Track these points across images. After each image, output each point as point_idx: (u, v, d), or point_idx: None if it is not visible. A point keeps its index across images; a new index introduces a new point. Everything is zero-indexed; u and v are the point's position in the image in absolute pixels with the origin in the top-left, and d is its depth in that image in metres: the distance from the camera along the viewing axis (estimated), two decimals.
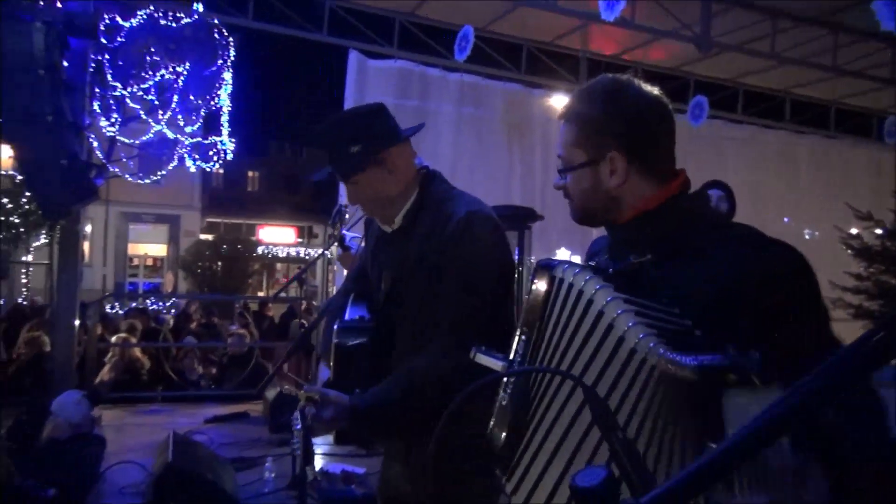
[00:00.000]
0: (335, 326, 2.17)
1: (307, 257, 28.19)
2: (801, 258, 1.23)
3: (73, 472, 4.11)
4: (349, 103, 7.70)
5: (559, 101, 8.81)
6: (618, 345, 1.16)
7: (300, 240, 31.97)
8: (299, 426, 1.92)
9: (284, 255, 30.46)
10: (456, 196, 2.11)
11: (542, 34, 8.66)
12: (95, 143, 12.25)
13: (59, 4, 6.66)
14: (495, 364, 1.53)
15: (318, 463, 5.19)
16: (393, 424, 2.01)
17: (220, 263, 22.93)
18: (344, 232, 2.70)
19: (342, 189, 7.20)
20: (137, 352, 7.72)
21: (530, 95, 8.61)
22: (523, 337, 1.40)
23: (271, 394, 6.30)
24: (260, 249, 27.03)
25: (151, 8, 11.41)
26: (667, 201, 1.36)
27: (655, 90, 1.43)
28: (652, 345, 1.10)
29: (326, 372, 2.17)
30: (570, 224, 1.55)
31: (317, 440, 5.72)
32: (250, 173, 35.10)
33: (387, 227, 2.16)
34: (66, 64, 6.56)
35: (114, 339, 7.58)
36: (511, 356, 1.43)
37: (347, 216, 2.71)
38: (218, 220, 30.43)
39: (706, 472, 0.63)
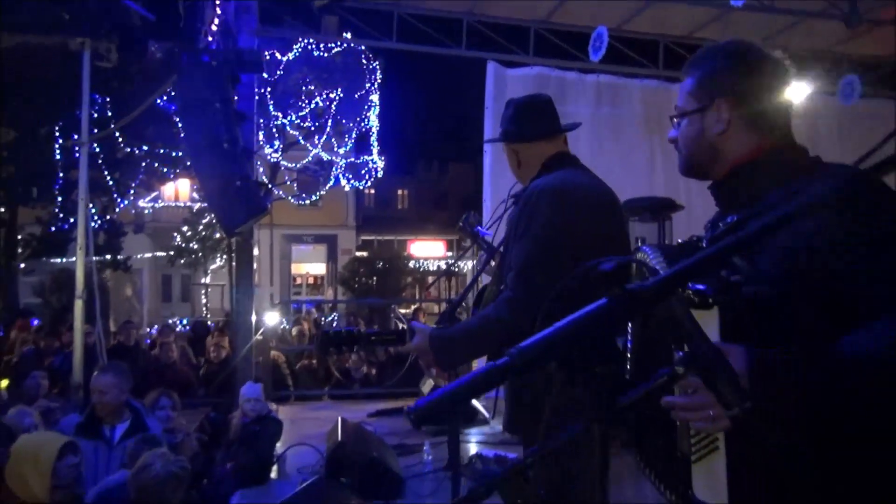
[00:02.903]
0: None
1: (456, 269, 28.89)
2: (866, 188, 1.26)
3: (258, 448, 4.64)
4: (489, 113, 8.00)
5: None
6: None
7: (449, 253, 32.79)
8: None
9: (435, 268, 31.35)
10: (552, 174, 2.43)
11: (679, 28, 8.58)
12: (261, 169, 13.37)
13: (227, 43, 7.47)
14: None
15: (474, 448, 5.53)
16: (460, 353, 2.43)
17: (375, 278, 24.02)
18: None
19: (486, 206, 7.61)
20: (273, 354, 8.40)
21: (669, 90, 8.54)
22: None
23: (427, 388, 6.70)
24: (411, 264, 28.02)
25: (306, 41, 12.36)
26: (761, 155, 1.47)
27: (777, 54, 1.53)
28: (653, 262, 1.29)
29: None
30: (714, 213, 1.66)
31: (471, 431, 6.11)
32: (400, 192, 36.47)
33: None
34: (236, 97, 7.32)
35: (254, 339, 8.15)
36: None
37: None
38: (371, 237, 31.87)
39: (688, 270, 0.85)
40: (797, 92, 8.75)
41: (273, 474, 5.05)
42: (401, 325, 2.45)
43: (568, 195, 2.34)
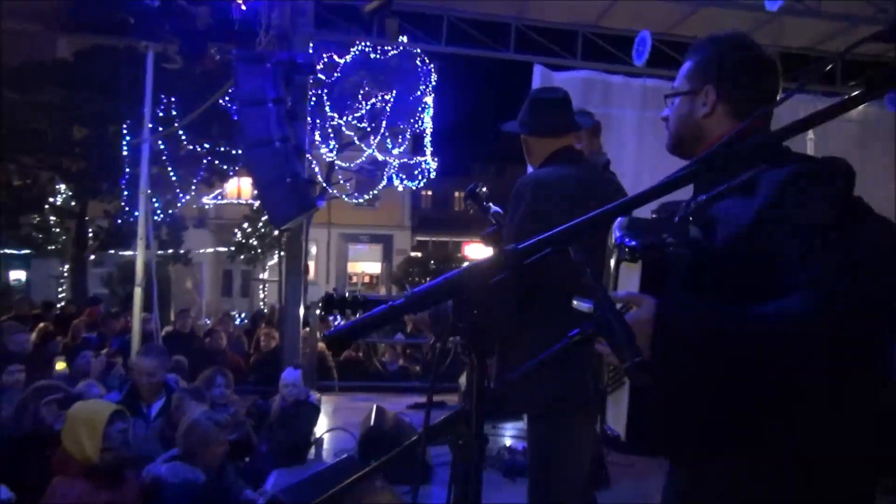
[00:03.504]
0: None
1: None
2: (810, 175, 1.40)
3: (294, 431, 4.89)
4: None
5: None
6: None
7: None
8: None
9: None
10: (546, 167, 2.68)
11: None
12: (317, 169, 13.73)
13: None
14: (584, 307, 1.87)
15: (508, 441, 5.71)
16: None
17: (427, 279, 24.33)
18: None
19: None
20: (320, 345, 8.66)
21: None
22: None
23: (464, 381, 6.87)
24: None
25: (363, 44, 12.65)
26: (735, 133, 1.58)
27: (766, 49, 1.67)
28: (616, 227, 1.45)
29: None
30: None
31: (505, 425, 6.28)
32: (456, 193, 36.74)
33: None
34: (290, 98, 7.63)
35: (303, 333, 8.44)
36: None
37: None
38: (427, 238, 32.24)
39: (563, 233, 1.02)
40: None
41: (311, 458, 5.30)
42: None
43: (550, 186, 2.54)
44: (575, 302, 1.88)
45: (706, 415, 1.37)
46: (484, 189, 2.96)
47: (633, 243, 1.36)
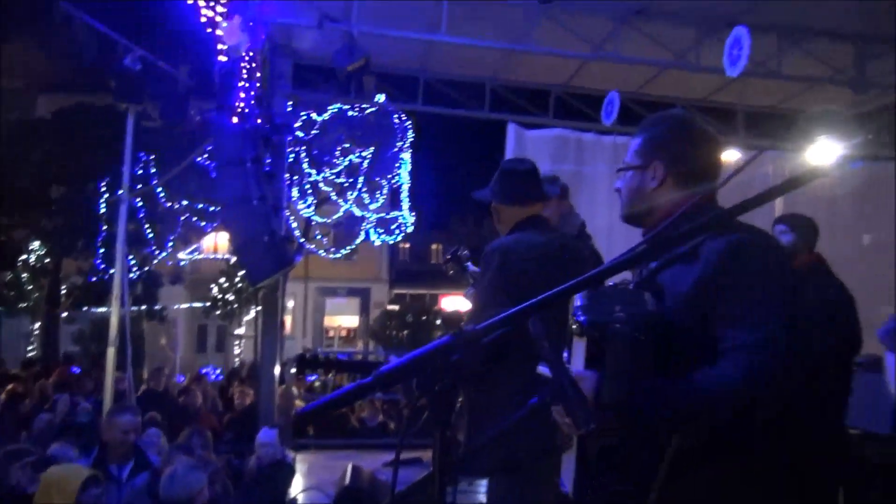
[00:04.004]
0: None
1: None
2: (747, 245, 1.53)
3: (271, 492, 4.84)
4: None
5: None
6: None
7: None
8: None
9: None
10: (512, 235, 2.80)
11: (695, 92, 8.85)
12: (294, 225, 13.75)
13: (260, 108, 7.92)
14: (546, 373, 1.97)
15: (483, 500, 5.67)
16: None
17: (405, 332, 24.25)
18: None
19: None
20: (297, 403, 8.62)
21: None
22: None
23: None
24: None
25: (341, 103, 12.83)
26: (686, 211, 1.70)
27: (709, 128, 1.83)
28: (579, 295, 1.56)
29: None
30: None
31: (483, 482, 6.25)
32: (434, 246, 36.90)
33: None
34: (268, 157, 7.74)
35: (279, 391, 8.37)
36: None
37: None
38: (404, 291, 32.21)
39: (518, 313, 1.11)
40: (827, 151, 8.77)
41: None
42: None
43: (517, 253, 2.67)
44: (539, 368, 1.98)
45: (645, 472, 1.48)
46: (465, 252, 3.11)
47: (582, 319, 1.49)
